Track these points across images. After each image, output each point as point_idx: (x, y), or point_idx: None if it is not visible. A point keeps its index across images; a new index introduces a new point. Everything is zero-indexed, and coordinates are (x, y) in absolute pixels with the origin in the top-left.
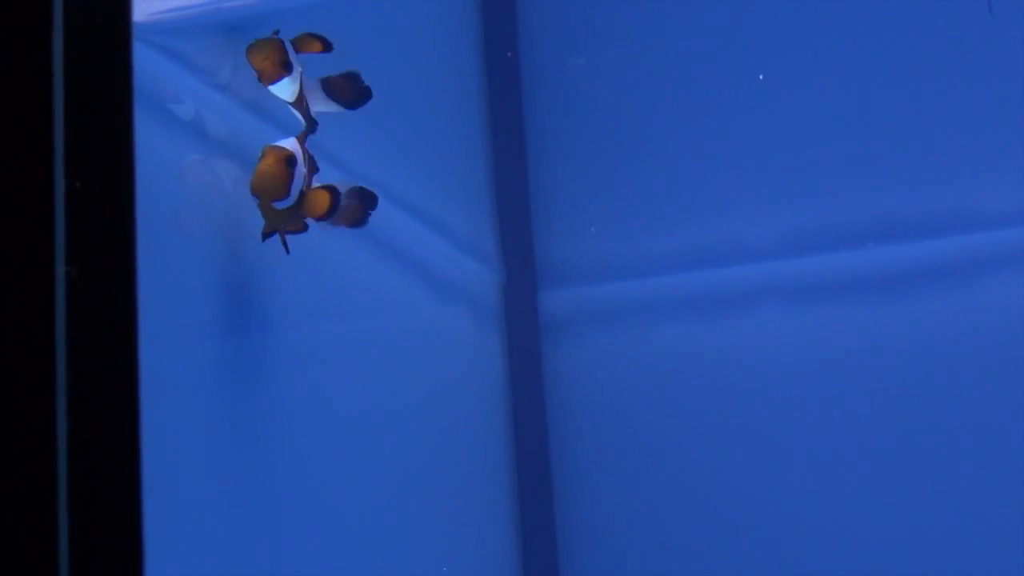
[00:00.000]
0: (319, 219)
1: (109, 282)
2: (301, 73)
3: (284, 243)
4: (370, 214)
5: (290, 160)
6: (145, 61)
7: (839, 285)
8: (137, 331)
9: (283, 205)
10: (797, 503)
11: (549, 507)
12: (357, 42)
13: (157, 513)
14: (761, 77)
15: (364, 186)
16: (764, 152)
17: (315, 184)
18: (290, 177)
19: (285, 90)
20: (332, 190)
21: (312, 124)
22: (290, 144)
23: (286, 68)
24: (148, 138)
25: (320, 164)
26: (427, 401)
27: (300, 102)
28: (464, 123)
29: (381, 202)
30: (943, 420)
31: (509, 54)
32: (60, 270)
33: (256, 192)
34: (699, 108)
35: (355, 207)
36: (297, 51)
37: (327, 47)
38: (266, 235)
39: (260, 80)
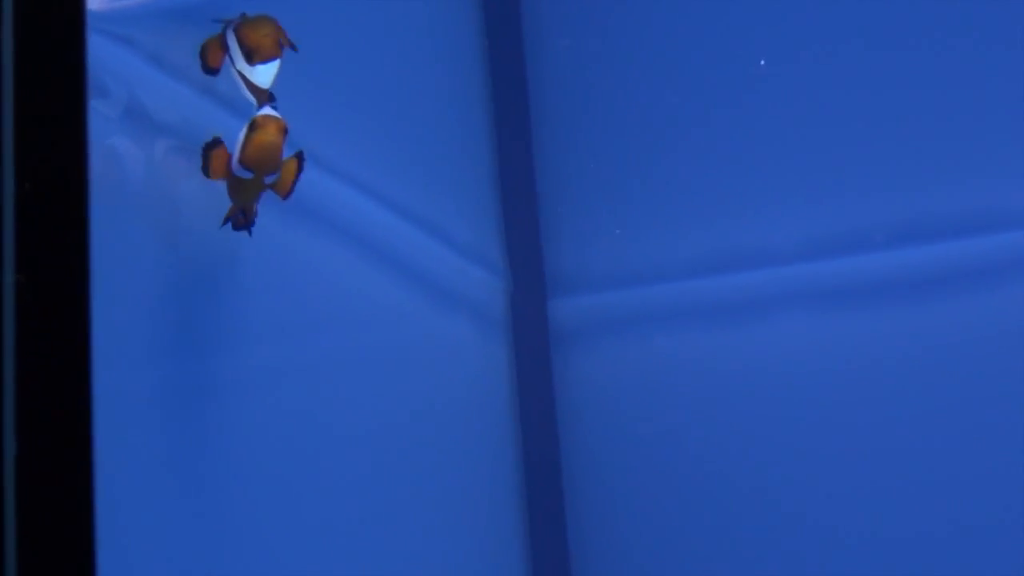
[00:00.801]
0: (288, 189)
1: (61, 291)
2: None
3: (248, 226)
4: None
5: (286, 129)
6: (100, 51)
7: (864, 289)
8: (91, 344)
9: (272, 179)
10: (821, 514)
11: (561, 521)
12: (356, 46)
13: (115, 543)
14: (762, 62)
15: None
16: (783, 152)
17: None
18: (284, 146)
19: (270, 72)
20: (299, 156)
21: (270, 97)
22: (274, 112)
23: (281, 49)
24: (104, 133)
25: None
26: (432, 415)
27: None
28: (467, 126)
29: (380, 209)
30: (975, 426)
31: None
32: (8, 278)
33: (255, 165)
34: (714, 107)
35: (292, 167)
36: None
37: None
38: (228, 219)
39: (251, 58)
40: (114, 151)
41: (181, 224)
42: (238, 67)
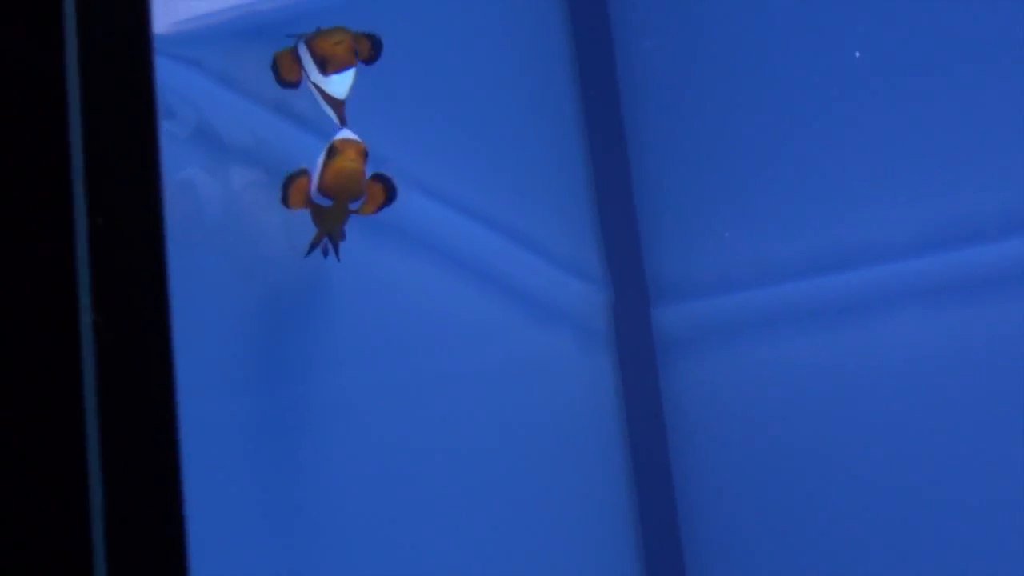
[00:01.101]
0: (372, 212)
1: (141, 330)
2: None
3: (336, 250)
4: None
5: (366, 152)
6: (169, 74)
7: (982, 282)
8: (174, 381)
9: (356, 204)
10: (943, 520)
11: (675, 536)
12: (443, 53)
13: None
14: (857, 54)
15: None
16: (888, 144)
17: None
18: (365, 171)
19: (345, 82)
20: (384, 180)
21: (343, 122)
22: (353, 135)
23: (355, 58)
24: (177, 160)
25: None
26: (535, 434)
27: (341, 115)
28: (559, 133)
29: (472, 224)
30: None
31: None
32: (87, 319)
33: (335, 192)
34: (816, 100)
35: (378, 190)
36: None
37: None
38: (314, 245)
39: (325, 67)
40: (189, 177)
41: (264, 250)
42: (313, 79)
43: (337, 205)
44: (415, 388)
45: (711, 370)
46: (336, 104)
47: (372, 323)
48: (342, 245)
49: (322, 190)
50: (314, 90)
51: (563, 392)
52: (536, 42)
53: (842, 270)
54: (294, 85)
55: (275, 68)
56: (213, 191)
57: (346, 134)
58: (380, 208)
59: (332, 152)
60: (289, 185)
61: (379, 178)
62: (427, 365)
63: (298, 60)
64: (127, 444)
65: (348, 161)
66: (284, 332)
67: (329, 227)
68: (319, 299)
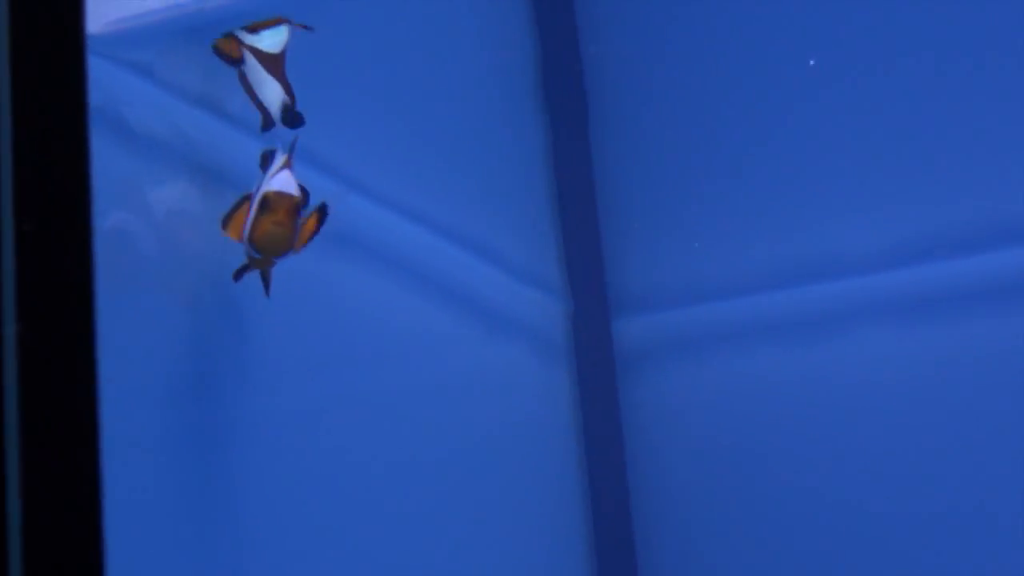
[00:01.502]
0: (303, 245)
1: (65, 340)
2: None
3: (266, 286)
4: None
5: (299, 207)
6: (103, 76)
7: (946, 298)
8: (98, 394)
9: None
10: (902, 537)
11: (630, 550)
12: (399, 63)
13: None
14: (812, 63)
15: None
16: (852, 159)
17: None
18: (296, 226)
19: (277, 36)
20: (320, 211)
21: (297, 119)
22: (290, 184)
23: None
24: (107, 165)
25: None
26: (491, 446)
27: (280, 73)
28: (521, 141)
29: (426, 233)
30: None
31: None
32: (9, 329)
33: (263, 250)
34: (781, 112)
35: (312, 222)
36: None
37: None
38: (243, 273)
39: (256, 29)
40: (119, 182)
41: (198, 257)
42: (248, 42)
43: (261, 259)
44: (366, 400)
45: (672, 384)
46: (273, 61)
47: (320, 334)
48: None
49: (252, 243)
50: (252, 61)
51: (520, 405)
52: (501, 50)
53: (807, 283)
54: (239, 62)
55: (218, 50)
56: (145, 195)
57: (280, 184)
58: (312, 237)
59: (264, 206)
60: (232, 216)
61: (317, 210)
62: (379, 377)
63: (235, 38)
64: (48, 459)
65: (276, 225)
66: (221, 344)
67: (259, 266)
68: (260, 308)
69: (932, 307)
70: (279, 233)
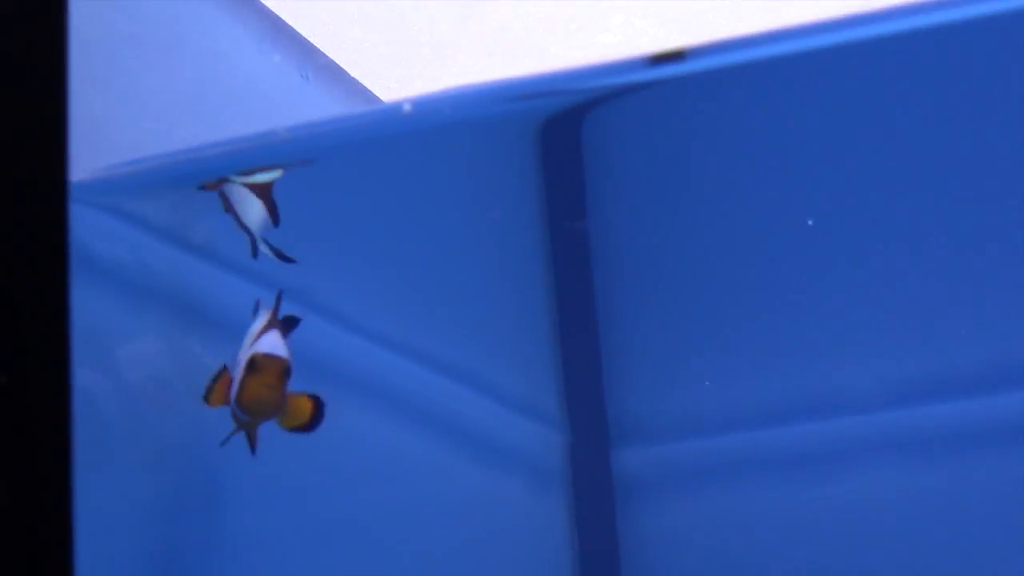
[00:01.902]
0: (296, 430)
1: (38, 491)
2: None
3: (252, 446)
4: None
5: (288, 370)
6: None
7: (956, 439)
8: (72, 563)
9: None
10: None
11: None
12: (386, 188)
13: None
14: (810, 222)
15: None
16: (861, 296)
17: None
18: (285, 389)
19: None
20: (316, 399)
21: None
22: (278, 346)
23: None
24: (92, 316)
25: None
26: None
27: (266, 194)
28: (519, 265)
29: (416, 364)
30: None
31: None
32: None
33: (250, 413)
34: (784, 252)
35: (305, 406)
36: None
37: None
38: (229, 438)
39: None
40: (101, 325)
41: (172, 397)
42: (236, 179)
43: (248, 421)
44: (348, 528)
45: (674, 519)
46: (262, 188)
47: (298, 461)
48: None
49: (239, 405)
50: (232, 190)
51: (512, 536)
52: (503, 180)
53: (809, 420)
54: (216, 186)
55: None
56: (125, 347)
57: (270, 345)
58: (301, 428)
59: (252, 367)
60: (213, 388)
61: (311, 396)
62: (369, 508)
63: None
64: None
65: (265, 388)
66: (196, 465)
67: (246, 427)
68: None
69: (935, 447)
70: (268, 396)
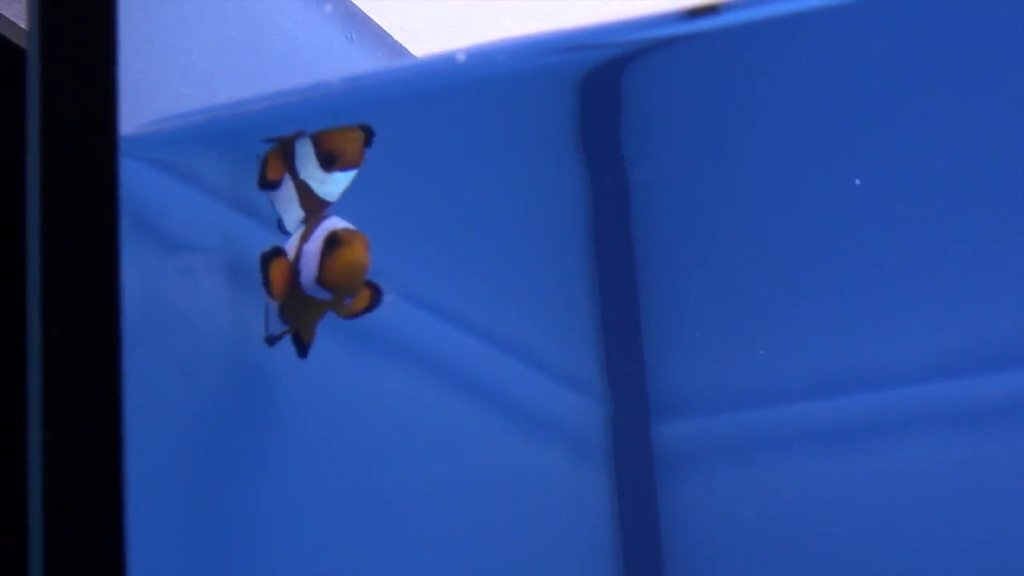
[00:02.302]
0: (354, 314)
1: (93, 449)
2: None
3: (304, 348)
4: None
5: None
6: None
7: (999, 411)
8: (124, 507)
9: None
10: None
11: None
12: (432, 157)
13: None
14: (857, 182)
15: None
16: (903, 266)
17: None
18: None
19: (346, 182)
20: (373, 285)
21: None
22: (346, 223)
23: (363, 157)
24: (137, 267)
25: None
26: (521, 551)
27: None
28: (562, 238)
29: (460, 332)
30: None
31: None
32: (36, 436)
33: (339, 286)
34: (825, 223)
35: (366, 292)
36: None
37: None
38: (278, 339)
39: (331, 163)
40: (150, 278)
41: (221, 349)
42: (304, 175)
43: (328, 301)
44: (396, 500)
45: (712, 490)
46: (317, 205)
47: (350, 433)
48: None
49: (323, 283)
50: (292, 190)
51: (554, 508)
52: (539, 142)
53: (853, 392)
54: (275, 186)
55: (263, 166)
56: (176, 290)
57: (339, 222)
58: (362, 312)
59: (336, 242)
60: (269, 268)
61: (371, 286)
62: (410, 477)
63: (287, 158)
64: (71, 567)
65: (359, 255)
66: (245, 437)
67: (307, 320)
68: (290, 403)
69: (978, 419)
70: (359, 266)
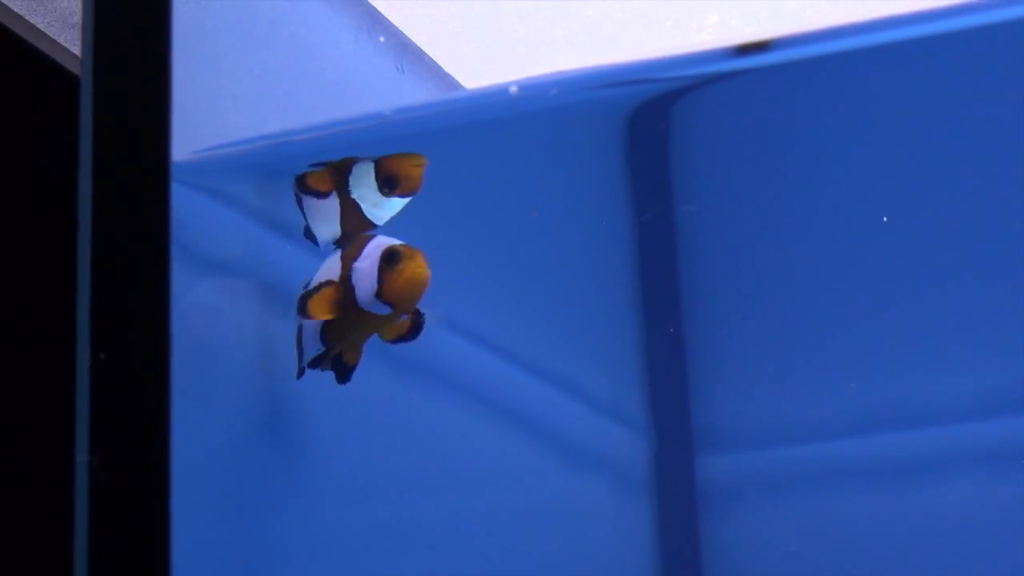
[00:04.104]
0: (398, 337)
1: (138, 478)
2: None
3: (346, 375)
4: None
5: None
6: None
7: None
8: (170, 526)
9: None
10: None
11: None
12: (483, 171)
13: None
14: (885, 219)
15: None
16: (952, 299)
17: None
18: None
19: (400, 207)
20: (417, 311)
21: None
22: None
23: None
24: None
25: None
26: None
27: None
28: (608, 270)
29: (505, 363)
30: None
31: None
32: (82, 459)
33: (402, 300)
34: (872, 259)
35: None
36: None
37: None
38: (318, 362)
39: (392, 185)
40: (197, 304)
41: (269, 372)
42: (357, 195)
43: (384, 317)
44: (439, 529)
45: (756, 526)
46: (361, 226)
47: (394, 461)
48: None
49: (384, 297)
50: (339, 207)
51: (596, 541)
52: (589, 178)
53: (899, 430)
54: (323, 196)
55: (308, 175)
56: (222, 315)
57: (390, 239)
58: (406, 336)
59: (396, 257)
60: (311, 297)
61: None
62: (454, 506)
63: (339, 175)
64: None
65: (420, 268)
66: (285, 463)
67: (351, 343)
68: (334, 431)
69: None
70: (422, 280)
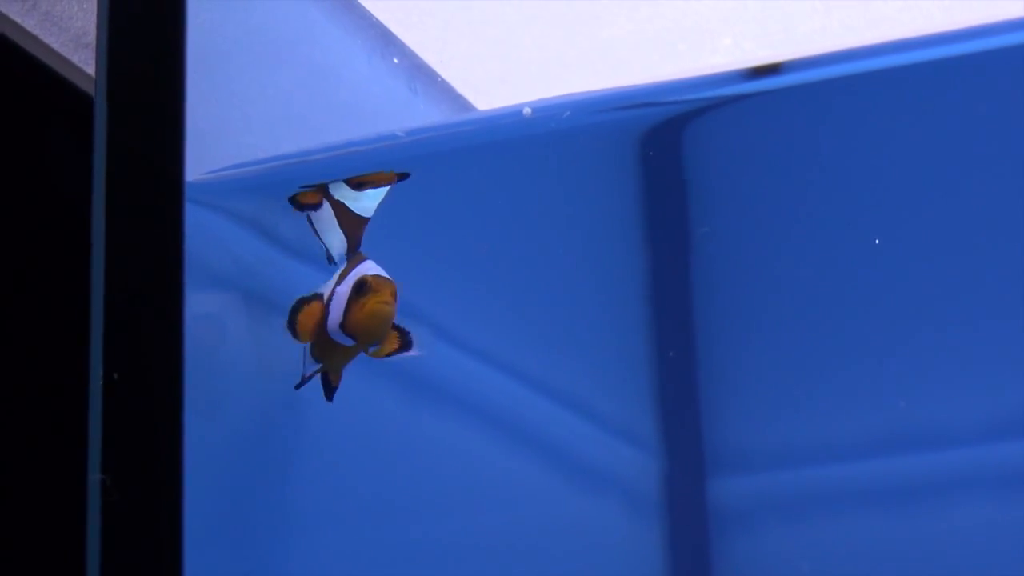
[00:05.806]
0: (390, 355)
1: (150, 496)
2: None
3: (330, 392)
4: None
5: (396, 295)
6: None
7: None
8: (181, 547)
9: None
10: None
11: None
12: (495, 192)
13: None
14: (877, 241)
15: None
16: (967, 321)
17: None
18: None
19: (377, 198)
20: (401, 329)
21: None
22: (379, 270)
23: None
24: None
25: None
26: None
27: (355, 233)
28: (619, 288)
29: (513, 382)
30: None
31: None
32: (94, 477)
33: (362, 334)
34: (892, 272)
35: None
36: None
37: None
38: (308, 379)
39: (361, 186)
40: (210, 323)
41: (276, 391)
42: (338, 195)
43: (353, 347)
44: (442, 551)
45: (767, 548)
46: (356, 224)
47: (396, 481)
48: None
49: (347, 329)
50: (330, 214)
51: (608, 563)
52: (601, 194)
53: (914, 452)
54: (315, 207)
55: (293, 199)
56: (234, 332)
57: (372, 268)
58: (391, 355)
59: (364, 289)
60: (299, 312)
61: (400, 333)
62: (460, 527)
63: (321, 187)
64: None
65: (383, 304)
66: (285, 486)
67: (336, 364)
68: (334, 449)
69: None
70: (386, 315)
